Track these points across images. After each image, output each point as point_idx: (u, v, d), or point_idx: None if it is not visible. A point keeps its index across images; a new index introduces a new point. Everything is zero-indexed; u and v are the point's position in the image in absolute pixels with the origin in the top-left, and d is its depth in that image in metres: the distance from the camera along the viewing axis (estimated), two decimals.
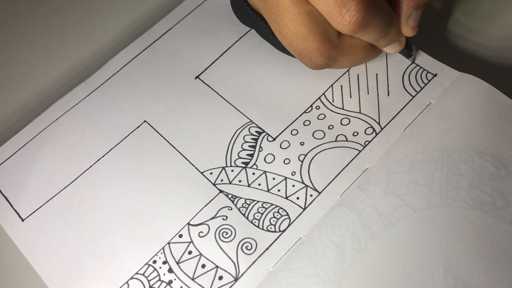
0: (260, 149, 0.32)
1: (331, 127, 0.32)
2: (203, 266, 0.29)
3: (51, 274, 0.30)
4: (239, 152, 0.32)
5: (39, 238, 0.31)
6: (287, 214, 0.30)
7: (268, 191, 0.31)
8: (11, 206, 0.32)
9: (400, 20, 0.30)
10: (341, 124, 0.32)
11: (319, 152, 0.31)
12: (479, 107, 0.31)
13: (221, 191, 0.31)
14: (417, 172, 0.29)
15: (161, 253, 0.30)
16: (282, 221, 0.30)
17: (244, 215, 0.30)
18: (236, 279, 0.28)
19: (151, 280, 0.29)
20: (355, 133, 0.32)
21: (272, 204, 0.30)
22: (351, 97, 0.33)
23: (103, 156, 0.33)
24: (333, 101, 0.33)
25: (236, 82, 0.34)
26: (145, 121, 0.34)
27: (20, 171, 0.33)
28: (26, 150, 0.33)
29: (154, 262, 0.29)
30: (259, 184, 0.31)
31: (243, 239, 0.29)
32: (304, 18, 0.28)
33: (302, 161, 0.31)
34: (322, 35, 0.28)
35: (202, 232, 0.30)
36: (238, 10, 0.34)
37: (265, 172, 0.31)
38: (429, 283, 0.27)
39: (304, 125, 0.32)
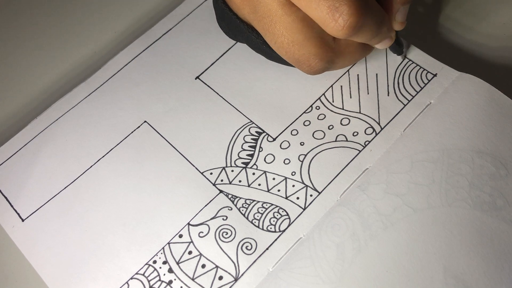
0: (260, 149, 0.32)
1: (331, 127, 0.32)
2: (203, 266, 0.29)
3: (51, 274, 0.30)
4: (239, 152, 0.32)
5: (39, 238, 0.31)
6: (287, 214, 0.30)
7: (268, 191, 0.31)
8: (11, 206, 0.32)
9: (390, 17, 0.30)
10: (341, 124, 0.32)
11: (319, 152, 0.31)
12: (479, 107, 0.31)
13: (221, 191, 0.31)
14: (417, 172, 0.30)
15: (161, 253, 0.30)
16: (282, 221, 0.30)
17: (244, 215, 0.30)
18: (236, 279, 0.28)
19: (151, 280, 0.29)
20: (355, 133, 0.32)
21: (272, 204, 0.30)
22: (351, 97, 0.33)
23: (103, 156, 0.33)
24: (333, 101, 0.33)
25: (236, 82, 0.34)
26: (145, 121, 0.34)
27: (20, 171, 0.33)
28: (26, 150, 0.33)
29: (154, 262, 0.29)
30: (259, 184, 0.31)
31: (243, 239, 0.29)
32: (299, 25, 0.28)
33: (302, 161, 0.31)
34: (318, 40, 0.28)
35: (202, 232, 0.30)
36: (226, 25, 0.34)
37: (265, 172, 0.31)
38: (429, 283, 0.27)
39: (304, 125, 0.32)
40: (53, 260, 0.30)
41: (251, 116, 0.33)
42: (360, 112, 0.32)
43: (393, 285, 0.27)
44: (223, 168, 0.32)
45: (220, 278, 0.29)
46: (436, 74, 0.33)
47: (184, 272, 0.29)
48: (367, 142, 0.31)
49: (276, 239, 0.29)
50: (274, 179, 0.31)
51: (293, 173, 0.31)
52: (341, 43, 0.29)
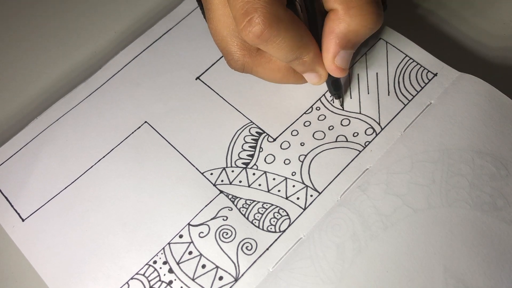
0: (261, 150, 0.32)
1: (331, 127, 0.32)
2: (203, 266, 0.29)
3: (51, 274, 0.30)
4: (239, 153, 0.32)
5: (40, 238, 0.31)
6: (287, 215, 0.30)
7: (268, 191, 0.31)
8: (12, 206, 0.32)
9: (324, 55, 0.29)
10: (341, 124, 0.32)
11: (319, 153, 0.31)
12: (479, 107, 0.31)
13: (221, 192, 0.31)
14: (418, 172, 0.30)
15: (162, 253, 0.30)
16: (282, 222, 0.30)
17: (244, 215, 0.30)
18: (236, 280, 0.28)
19: (151, 280, 0.29)
20: (355, 134, 0.32)
21: (272, 205, 0.30)
22: (351, 98, 0.33)
23: (103, 157, 0.33)
24: (333, 102, 0.33)
25: (237, 83, 0.34)
26: (145, 121, 0.34)
27: (20, 171, 0.33)
28: (26, 150, 0.33)
29: (155, 262, 0.29)
30: (260, 185, 0.31)
31: (243, 240, 0.29)
32: (227, 20, 0.28)
33: (302, 162, 0.31)
34: (240, 42, 0.29)
35: (203, 232, 0.30)
36: None
37: (265, 172, 0.31)
38: (429, 283, 0.27)
39: (305, 125, 0.32)
40: (53, 260, 0.30)
41: (251, 117, 0.33)
42: (360, 113, 0.32)
43: (393, 285, 0.27)
44: (224, 168, 0.32)
45: (220, 278, 0.29)
46: (437, 73, 0.33)
47: (184, 272, 0.29)
48: (367, 143, 0.31)
49: (276, 239, 0.29)
50: (274, 179, 0.31)
51: (294, 174, 0.31)
52: (264, 55, 0.30)
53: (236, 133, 0.33)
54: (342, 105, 0.33)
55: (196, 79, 0.35)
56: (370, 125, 0.32)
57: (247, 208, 0.30)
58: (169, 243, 0.30)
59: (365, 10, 0.28)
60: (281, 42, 0.27)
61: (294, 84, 0.32)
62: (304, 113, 0.33)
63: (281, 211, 0.30)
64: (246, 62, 0.30)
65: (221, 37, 0.29)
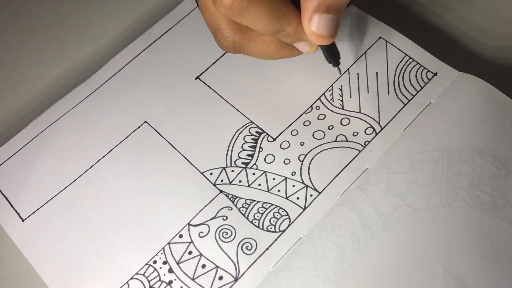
0: (260, 149, 0.32)
1: (331, 127, 0.32)
2: (203, 266, 0.29)
3: (51, 274, 0.30)
4: (239, 153, 0.32)
5: (39, 238, 0.31)
6: (287, 214, 0.30)
7: (268, 191, 0.31)
8: (12, 206, 0.32)
9: (302, 22, 0.28)
10: (341, 124, 0.32)
11: (319, 152, 0.31)
12: (479, 107, 0.31)
13: (221, 191, 0.31)
14: (417, 172, 0.29)
15: (161, 253, 0.30)
16: (282, 221, 0.30)
17: (244, 215, 0.30)
18: (236, 279, 0.28)
19: (151, 280, 0.29)
20: (355, 133, 0.32)
21: (272, 204, 0.30)
22: (351, 97, 0.33)
23: (103, 157, 0.33)
24: (333, 101, 0.33)
25: (237, 82, 0.34)
26: (145, 121, 0.34)
27: (20, 171, 0.33)
28: (26, 150, 0.33)
29: (155, 262, 0.29)
30: (259, 184, 0.31)
31: (243, 239, 0.29)
32: None
33: (302, 161, 0.31)
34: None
35: (202, 232, 0.30)
36: None
37: (265, 172, 0.31)
38: (429, 283, 0.27)
39: (304, 125, 0.32)
40: (53, 260, 0.30)
41: (251, 116, 0.33)
42: (360, 112, 0.32)
43: (393, 285, 0.27)
44: (223, 168, 0.32)
45: (220, 278, 0.29)
46: (437, 73, 0.33)
47: (184, 272, 0.29)
48: (367, 142, 0.31)
49: (276, 239, 0.29)
50: (274, 179, 0.31)
51: (293, 173, 0.31)
52: (253, 29, 0.29)
53: (236, 132, 0.33)
54: (340, 72, 0.32)
55: (196, 78, 0.35)
56: (370, 124, 0.32)
57: (247, 208, 0.30)
58: (169, 243, 0.30)
59: None
60: (256, 14, 0.26)
61: (290, 56, 0.31)
62: (304, 112, 0.33)
63: (281, 211, 0.30)
64: (237, 38, 0.29)
65: (210, 12, 0.29)
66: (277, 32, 0.28)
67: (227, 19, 0.28)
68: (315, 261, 0.28)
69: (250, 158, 0.32)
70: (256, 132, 0.33)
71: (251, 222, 0.30)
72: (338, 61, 0.31)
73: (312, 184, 0.30)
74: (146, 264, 0.29)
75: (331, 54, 0.31)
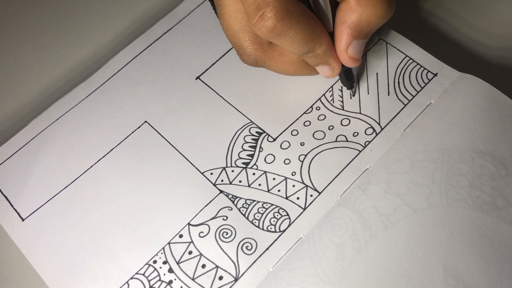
0: (261, 150, 0.32)
1: (331, 127, 0.32)
2: (203, 266, 0.29)
3: (51, 274, 0.30)
4: (239, 153, 0.32)
5: (39, 238, 0.31)
6: (287, 214, 0.30)
7: (268, 191, 0.31)
8: (12, 206, 0.32)
9: (337, 46, 0.29)
10: (341, 124, 0.32)
11: (319, 153, 0.31)
12: (479, 107, 0.31)
13: (221, 191, 0.31)
14: (417, 172, 0.30)
15: (162, 253, 0.30)
16: (282, 221, 0.30)
17: (244, 215, 0.30)
18: (236, 279, 0.28)
19: (151, 280, 0.29)
20: (355, 134, 0.32)
21: (272, 204, 0.30)
22: (351, 98, 0.33)
23: (103, 156, 0.33)
24: (333, 102, 0.33)
25: (237, 83, 0.34)
26: (145, 121, 0.34)
27: (20, 171, 0.33)
28: (26, 150, 0.33)
29: (155, 262, 0.29)
30: (259, 184, 0.31)
31: (243, 239, 0.29)
32: (238, 15, 0.28)
33: (302, 161, 0.31)
34: (252, 36, 0.29)
35: (203, 232, 0.30)
36: None
37: (265, 172, 0.31)
38: (429, 283, 0.27)
39: (305, 125, 0.32)
40: (53, 260, 0.30)
41: (251, 116, 0.33)
42: (360, 113, 0.32)
43: (393, 285, 0.27)
44: (224, 168, 0.32)
45: (220, 278, 0.29)
46: (437, 73, 0.33)
47: (184, 272, 0.29)
48: (367, 143, 0.31)
49: (276, 239, 0.29)
50: (274, 179, 0.31)
51: (293, 173, 0.31)
52: (276, 49, 0.30)
53: (236, 132, 0.33)
54: (353, 95, 0.33)
55: (196, 78, 0.35)
56: (370, 125, 0.32)
57: (247, 208, 0.30)
58: (169, 243, 0.30)
59: None
60: (294, 36, 0.27)
61: (307, 75, 0.32)
62: (304, 112, 0.33)
63: (281, 211, 0.30)
64: (259, 56, 0.30)
65: (233, 32, 0.29)
66: (306, 53, 0.29)
67: (250, 38, 0.29)
68: (315, 261, 0.28)
69: (250, 158, 0.32)
70: (256, 132, 0.33)
71: (251, 222, 0.30)
72: (353, 84, 0.32)
73: (312, 184, 0.30)
74: (146, 264, 0.29)
75: (349, 77, 0.32)
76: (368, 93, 0.33)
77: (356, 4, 0.28)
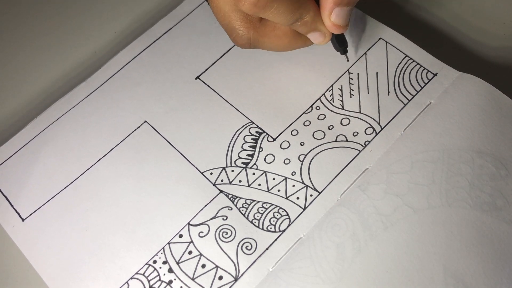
0: (260, 149, 0.32)
1: (331, 127, 0.32)
2: (203, 266, 0.29)
3: (51, 274, 0.30)
4: (239, 152, 0.32)
5: (40, 238, 0.31)
6: (287, 214, 0.30)
7: (268, 191, 0.31)
8: (12, 206, 0.32)
9: (322, 13, 0.29)
10: (341, 124, 0.32)
11: (319, 152, 0.31)
12: (479, 107, 0.31)
13: (221, 191, 0.31)
14: (417, 172, 0.30)
15: (161, 253, 0.30)
16: (282, 221, 0.30)
17: (244, 215, 0.30)
18: (236, 279, 0.28)
19: (151, 280, 0.29)
20: (355, 133, 0.32)
21: (272, 204, 0.30)
22: (351, 97, 0.33)
23: (103, 156, 0.33)
24: (333, 102, 0.33)
25: (237, 82, 0.34)
26: (145, 121, 0.34)
27: (20, 171, 0.33)
28: (26, 150, 0.33)
29: (154, 262, 0.29)
30: (259, 184, 0.31)
31: (243, 239, 0.29)
32: None
33: (302, 161, 0.31)
34: (242, 16, 0.29)
35: (202, 232, 0.30)
36: None
37: (265, 172, 0.31)
38: (429, 283, 0.27)
39: (304, 125, 0.32)
40: (53, 259, 0.30)
41: (251, 116, 0.33)
42: (360, 112, 0.32)
43: (393, 285, 0.27)
44: (223, 168, 0.32)
45: (220, 278, 0.29)
46: (437, 73, 0.33)
47: (184, 272, 0.29)
48: (367, 142, 0.31)
49: (276, 239, 0.29)
50: (274, 179, 0.31)
51: (293, 173, 0.31)
52: (267, 24, 0.30)
53: (236, 132, 0.33)
54: (348, 60, 0.33)
55: (196, 78, 0.35)
56: (370, 124, 0.32)
57: (247, 208, 0.30)
58: (169, 243, 0.30)
59: None
60: (279, 7, 0.27)
61: (302, 47, 0.32)
62: (304, 112, 0.33)
63: (281, 210, 0.30)
64: (252, 35, 0.30)
65: (223, 13, 0.29)
66: (295, 22, 0.29)
67: (241, 18, 0.29)
68: (315, 261, 0.28)
69: (250, 158, 0.32)
70: (256, 132, 0.33)
71: (251, 222, 0.30)
72: (346, 49, 0.33)
73: (312, 184, 0.30)
74: (146, 264, 0.29)
75: (341, 43, 0.32)
76: (368, 93, 0.33)
77: None
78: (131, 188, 0.32)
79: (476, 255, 0.27)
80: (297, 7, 0.28)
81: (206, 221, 0.30)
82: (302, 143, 0.32)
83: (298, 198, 0.30)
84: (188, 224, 0.30)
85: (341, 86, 0.33)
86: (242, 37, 0.30)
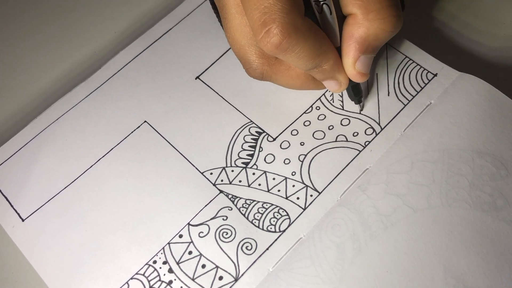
0: (260, 149, 0.32)
1: (331, 127, 0.32)
2: (203, 266, 0.29)
3: (51, 274, 0.30)
4: (239, 152, 0.32)
5: (39, 238, 0.31)
6: (287, 214, 0.30)
7: (268, 191, 0.31)
8: (11, 206, 0.32)
9: (344, 61, 0.29)
10: (341, 124, 0.32)
11: (319, 152, 0.31)
12: (479, 107, 0.31)
13: (221, 191, 0.31)
14: (417, 172, 0.30)
15: (161, 253, 0.30)
16: (282, 221, 0.30)
17: (244, 215, 0.30)
18: (236, 279, 0.28)
19: (151, 280, 0.29)
20: (355, 133, 0.32)
21: (272, 204, 0.30)
22: (359, 112, 0.33)
23: (103, 156, 0.33)
24: (333, 102, 0.33)
25: (237, 82, 0.34)
26: (145, 121, 0.34)
27: (20, 171, 0.33)
28: (26, 150, 0.33)
29: (154, 262, 0.29)
30: (259, 184, 0.31)
31: (243, 239, 0.29)
32: (244, 29, 0.28)
33: (302, 161, 0.31)
34: (258, 50, 0.29)
35: (202, 232, 0.30)
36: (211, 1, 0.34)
37: (265, 172, 0.31)
38: (429, 283, 0.27)
39: (304, 125, 0.32)
40: (53, 260, 0.30)
41: (251, 116, 0.33)
42: (360, 113, 0.32)
43: (393, 285, 0.27)
44: (223, 168, 0.32)
45: (220, 278, 0.29)
46: (437, 74, 0.33)
47: (184, 272, 0.29)
48: (367, 142, 0.31)
49: (276, 239, 0.29)
50: (274, 179, 0.31)
51: (293, 173, 0.31)
52: (282, 63, 0.29)
53: (236, 132, 0.33)
54: (361, 110, 0.32)
55: (196, 78, 0.35)
56: (370, 125, 0.32)
57: (247, 208, 0.30)
58: (169, 243, 0.30)
59: (383, 13, 0.27)
60: (300, 52, 0.26)
61: (314, 90, 0.32)
62: (304, 112, 0.33)
63: (281, 211, 0.30)
64: (265, 70, 0.29)
65: (239, 46, 0.29)
66: (313, 68, 0.28)
67: (257, 53, 0.29)
68: (315, 261, 0.28)
69: (250, 158, 0.32)
70: (256, 132, 0.33)
71: (251, 222, 0.30)
72: (361, 98, 0.32)
73: (312, 184, 0.30)
74: (146, 264, 0.29)
75: (357, 92, 0.32)
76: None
77: (364, 19, 0.27)
78: (131, 188, 0.31)
79: (476, 255, 0.27)
80: (318, 54, 0.27)
81: (206, 221, 0.30)
82: (302, 143, 0.32)
83: (298, 198, 0.30)
84: (188, 224, 0.30)
85: None
86: (255, 71, 0.30)
